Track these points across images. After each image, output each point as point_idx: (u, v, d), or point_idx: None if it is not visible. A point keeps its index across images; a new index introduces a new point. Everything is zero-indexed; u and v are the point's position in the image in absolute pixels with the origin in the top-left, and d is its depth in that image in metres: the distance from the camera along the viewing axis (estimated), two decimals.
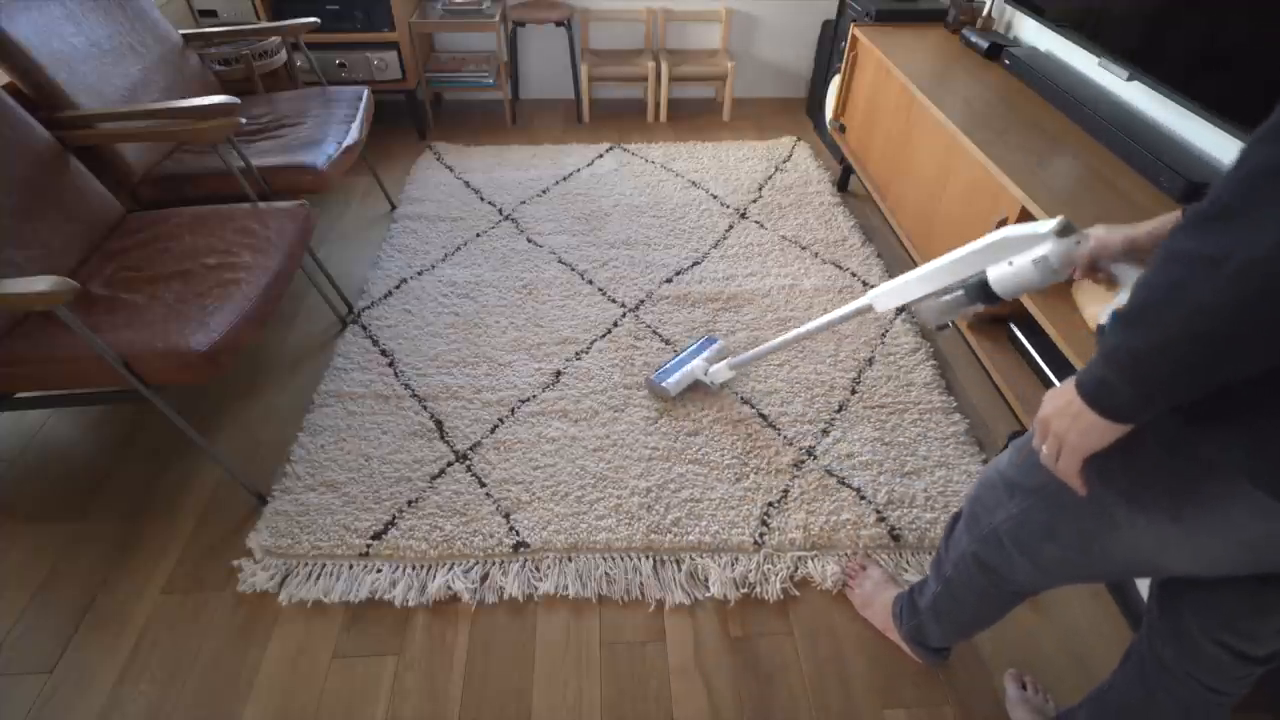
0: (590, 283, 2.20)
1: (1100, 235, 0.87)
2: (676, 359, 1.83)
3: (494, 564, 1.44)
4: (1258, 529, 0.64)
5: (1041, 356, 1.63)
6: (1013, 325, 1.73)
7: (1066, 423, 0.64)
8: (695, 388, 1.81)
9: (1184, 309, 0.52)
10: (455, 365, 1.89)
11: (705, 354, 1.84)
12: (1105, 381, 0.60)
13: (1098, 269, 0.89)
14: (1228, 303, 0.49)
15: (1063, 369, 1.57)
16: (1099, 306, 1.46)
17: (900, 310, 2.00)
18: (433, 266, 2.26)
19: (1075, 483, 0.68)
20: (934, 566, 1.12)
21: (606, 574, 1.43)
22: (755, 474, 1.61)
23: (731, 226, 2.47)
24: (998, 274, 0.98)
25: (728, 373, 1.77)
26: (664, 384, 1.75)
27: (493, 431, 1.71)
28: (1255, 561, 0.68)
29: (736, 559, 1.45)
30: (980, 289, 1.02)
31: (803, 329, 1.49)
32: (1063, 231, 0.91)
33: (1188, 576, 0.76)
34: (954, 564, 1.02)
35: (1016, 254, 0.96)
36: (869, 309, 1.27)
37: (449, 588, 1.39)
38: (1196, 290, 0.51)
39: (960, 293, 1.06)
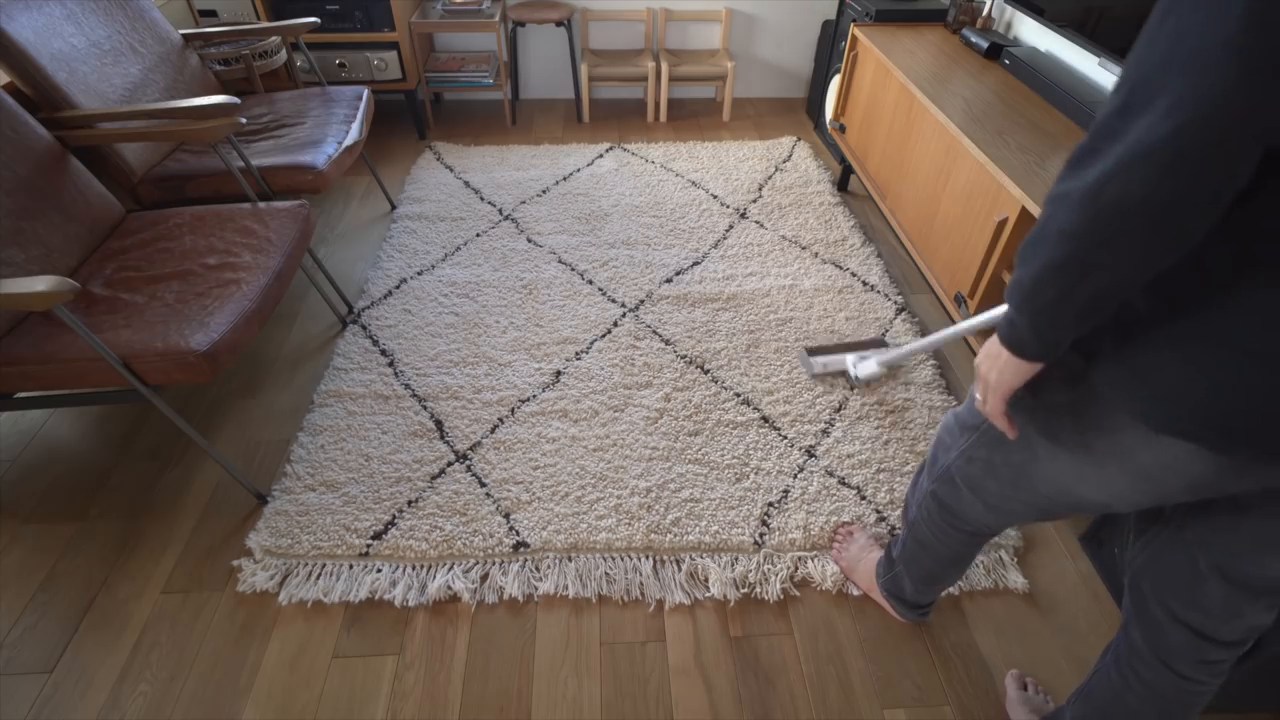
0: (590, 283, 2.20)
1: None
2: (839, 344, 1.92)
3: (494, 564, 1.44)
4: (1148, 458, 0.69)
5: None
6: None
7: (989, 365, 0.73)
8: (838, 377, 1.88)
9: (1049, 238, 0.59)
10: (455, 365, 1.89)
11: (866, 352, 1.88)
12: (1011, 321, 0.67)
13: None
14: (1079, 227, 0.56)
15: None
16: None
17: None
18: (433, 266, 2.26)
19: (1001, 423, 0.76)
20: (903, 513, 1.19)
21: (606, 574, 1.43)
22: (755, 474, 1.61)
23: (731, 226, 2.47)
24: None
25: (875, 368, 1.79)
26: (812, 359, 1.85)
27: (493, 431, 1.71)
28: (1155, 492, 0.73)
29: (736, 559, 1.45)
30: None
31: (944, 334, 1.57)
32: None
33: (1103, 509, 0.81)
34: (917, 505, 1.10)
35: None
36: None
37: (449, 588, 1.39)
38: (1057, 220, 0.58)
39: None
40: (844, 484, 1.59)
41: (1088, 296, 0.60)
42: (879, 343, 1.95)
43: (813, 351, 1.90)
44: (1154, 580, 0.86)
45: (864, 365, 1.81)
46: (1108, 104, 0.55)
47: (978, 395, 0.78)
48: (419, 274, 2.23)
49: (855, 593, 1.40)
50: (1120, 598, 1.38)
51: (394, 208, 2.59)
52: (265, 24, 2.48)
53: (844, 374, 1.87)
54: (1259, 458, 0.63)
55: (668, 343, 1.97)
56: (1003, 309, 1.17)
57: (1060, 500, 0.83)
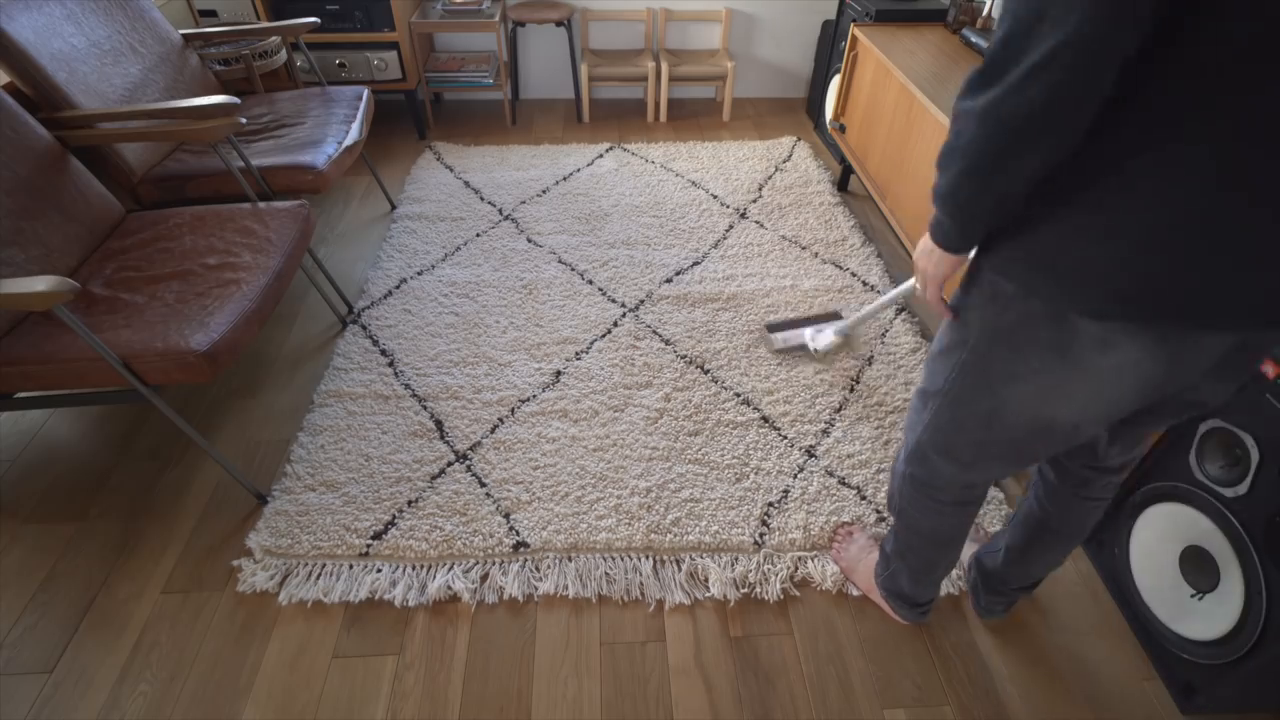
0: (590, 283, 2.20)
1: None
2: (797, 319, 2.00)
3: (494, 564, 1.44)
4: (1101, 362, 0.75)
5: None
6: None
7: (924, 260, 0.85)
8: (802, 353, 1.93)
9: (960, 149, 0.69)
10: (455, 365, 1.89)
11: (817, 327, 1.95)
12: (938, 220, 0.79)
13: None
14: (984, 137, 0.67)
15: None
16: None
17: None
18: (433, 266, 2.26)
19: (939, 307, 0.87)
20: (889, 504, 1.20)
21: (606, 574, 1.43)
22: (755, 474, 1.61)
23: (731, 226, 2.47)
24: None
25: (832, 338, 1.87)
26: (772, 335, 1.92)
27: (493, 431, 1.71)
28: (1113, 400, 0.80)
29: (736, 559, 1.45)
30: None
31: (896, 291, 1.66)
32: None
33: (1073, 431, 0.87)
34: (899, 493, 1.13)
35: None
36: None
37: (449, 588, 1.39)
38: (965, 133, 0.69)
39: None
40: (844, 484, 1.59)
41: (996, 193, 0.71)
42: (835, 316, 2.03)
43: (772, 328, 1.97)
44: (1070, 451, 1.04)
45: (821, 337, 1.89)
46: (995, 37, 0.64)
47: (917, 288, 0.86)
48: (419, 274, 2.23)
49: (855, 593, 1.40)
50: (1120, 597, 1.38)
51: (394, 208, 2.59)
52: (265, 24, 2.48)
53: (803, 347, 1.93)
54: (1189, 330, 0.69)
55: (668, 343, 1.97)
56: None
57: (1033, 432, 0.88)
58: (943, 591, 1.40)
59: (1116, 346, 0.73)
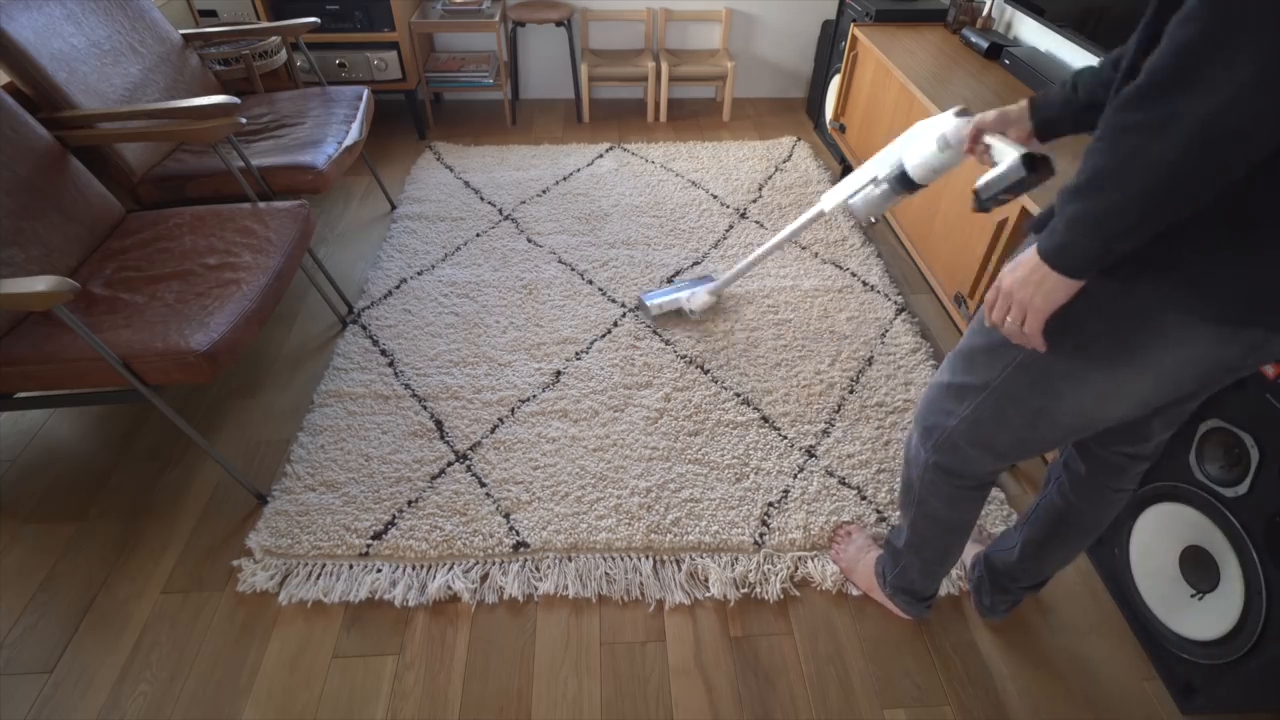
0: (590, 283, 2.20)
1: (982, 114, 1.02)
2: (671, 287, 2.07)
3: (494, 564, 1.44)
4: (1178, 356, 0.75)
5: None
6: None
7: (1030, 290, 0.74)
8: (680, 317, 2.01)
9: (1141, 169, 0.61)
10: (455, 365, 1.89)
11: (690, 288, 2.04)
12: (1069, 244, 0.69)
13: (978, 141, 1.03)
14: (1177, 159, 0.59)
15: None
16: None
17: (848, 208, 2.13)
18: (433, 266, 2.26)
19: (1039, 341, 0.78)
20: (903, 498, 1.19)
21: (606, 574, 1.43)
22: (755, 474, 1.61)
23: (731, 226, 2.47)
24: (912, 162, 1.11)
25: (705, 298, 1.93)
26: (649, 303, 1.98)
27: (493, 431, 1.71)
28: (1171, 390, 0.80)
29: (736, 559, 1.45)
30: (901, 179, 1.15)
31: (767, 245, 1.69)
32: (960, 114, 1.08)
33: (1116, 422, 0.88)
34: (919, 481, 1.11)
35: (927, 141, 1.10)
36: (821, 213, 1.45)
37: (449, 588, 1.39)
38: (1148, 152, 0.60)
39: (885, 186, 1.20)
40: (844, 484, 1.59)
41: (1165, 220, 0.63)
42: (706, 278, 2.12)
43: (649, 297, 2.05)
44: (1100, 438, 1.03)
45: (695, 299, 1.97)
46: (1179, 33, 0.57)
47: (1009, 320, 0.78)
48: (419, 274, 2.23)
49: (855, 593, 1.40)
50: (1120, 597, 1.38)
51: (394, 208, 2.59)
52: (265, 24, 2.48)
53: (679, 311, 2.02)
54: None
55: (668, 343, 1.97)
56: (819, 207, 1.31)
57: (1078, 427, 0.89)
58: (943, 591, 1.40)
59: (1204, 346, 0.73)
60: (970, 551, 1.40)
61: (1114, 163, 0.63)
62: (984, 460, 1.01)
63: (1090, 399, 0.83)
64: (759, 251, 1.73)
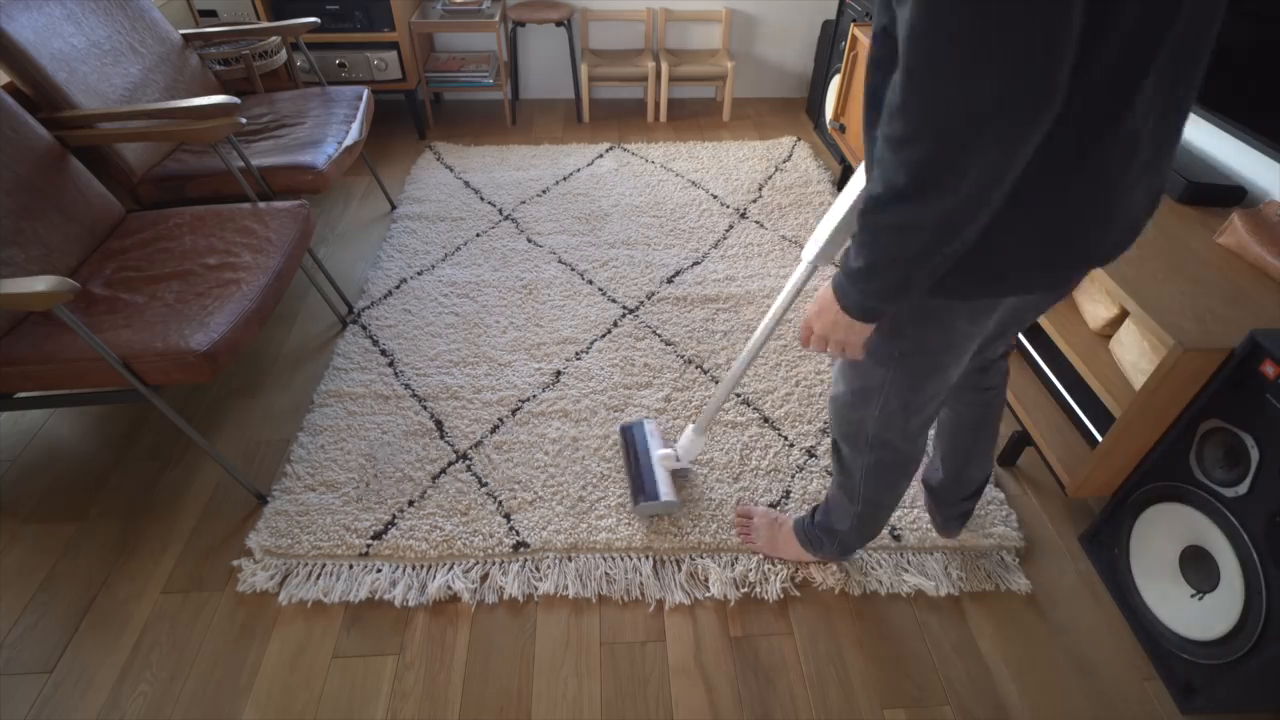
0: (590, 283, 2.20)
1: None
2: (640, 468, 1.54)
3: (494, 564, 1.44)
4: (1002, 310, 0.92)
5: (1041, 356, 1.63)
6: None
7: (841, 332, 0.86)
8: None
9: (905, 258, 0.72)
10: (455, 365, 1.89)
11: (655, 446, 1.59)
12: (866, 306, 0.81)
13: None
14: (928, 245, 0.70)
15: (1062, 368, 1.57)
16: (1097, 307, 1.46)
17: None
18: (433, 266, 2.26)
19: (859, 355, 0.91)
20: (838, 495, 1.25)
21: (606, 574, 1.43)
22: (755, 474, 1.61)
23: (731, 226, 2.47)
24: None
25: (698, 441, 1.51)
26: (664, 499, 1.48)
27: (493, 431, 1.71)
28: (1005, 321, 1.02)
29: (736, 559, 1.45)
30: None
31: (753, 342, 1.31)
32: None
33: (980, 350, 1.11)
34: (863, 480, 1.17)
35: None
36: (813, 267, 1.18)
37: (449, 588, 1.39)
38: (906, 247, 0.71)
39: None
40: None
41: (937, 270, 0.75)
42: (640, 428, 1.65)
43: (648, 499, 1.49)
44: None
45: (685, 450, 1.52)
46: (913, 155, 0.64)
47: (830, 351, 0.91)
48: (419, 274, 2.23)
49: (855, 592, 1.40)
50: (1120, 597, 1.38)
51: (394, 208, 2.59)
52: (265, 24, 2.48)
53: (681, 473, 1.61)
54: (1071, 276, 0.87)
55: (668, 343, 1.97)
56: (803, 268, 1.22)
57: (958, 371, 1.02)
58: (942, 591, 1.40)
59: (967, 312, 0.90)
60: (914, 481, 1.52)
61: (881, 256, 0.74)
62: (911, 439, 1.10)
63: (960, 354, 0.97)
64: (746, 352, 1.33)
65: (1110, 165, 0.74)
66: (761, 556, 1.45)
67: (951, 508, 1.42)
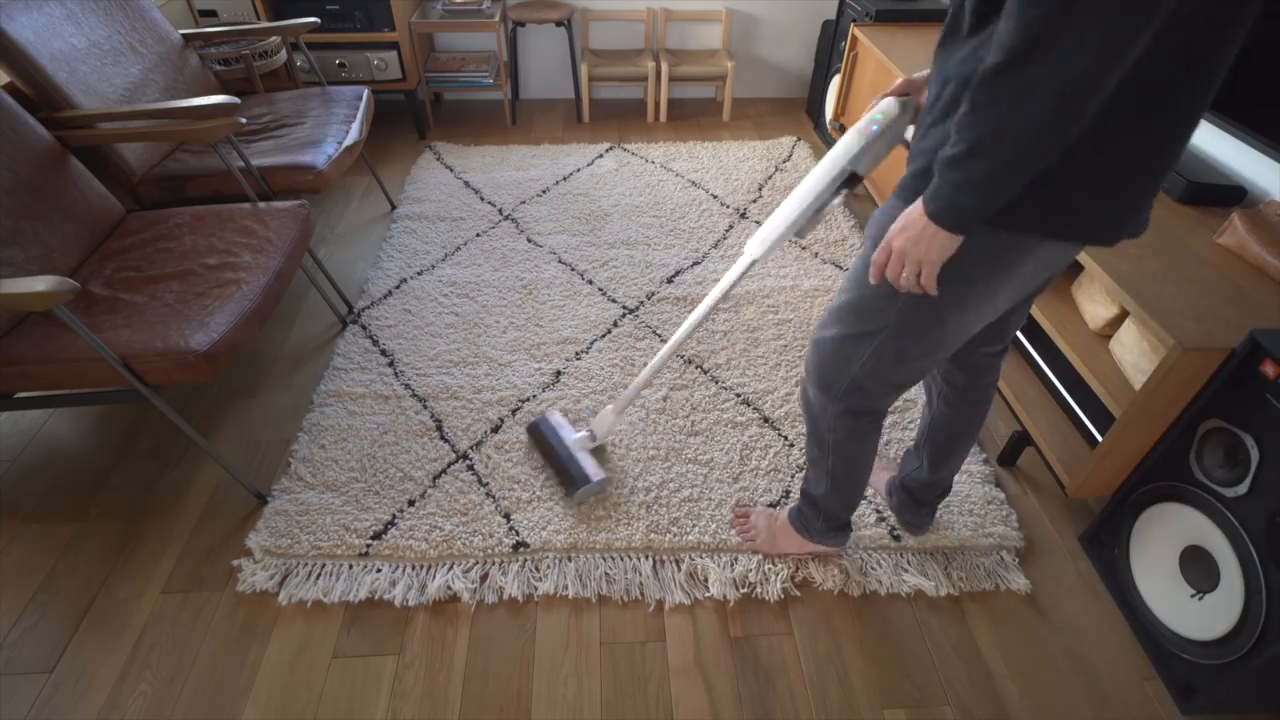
0: (590, 283, 2.20)
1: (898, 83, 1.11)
2: (563, 460, 1.56)
3: (494, 564, 1.44)
4: (1033, 268, 0.90)
5: (1040, 356, 1.63)
6: None
7: (924, 247, 0.84)
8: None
9: (1011, 137, 0.70)
10: (455, 365, 1.89)
11: (568, 433, 1.62)
12: (955, 206, 0.78)
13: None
14: (1039, 122, 0.69)
15: (1062, 368, 1.57)
16: (1097, 307, 1.46)
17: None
18: (433, 266, 2.26)
19: (934, 288, 0.88)
20: (814, 452, 1.26)
21: (606, 574, 1.43)
22: (755, 474, 1.61)
23: (731, 226, 2.47)
24: (862, 163, 1.08)
25: (616, 420, 1.56)
26: (596, 480, 1.51)
27: (493, 431, 1.71)
28: (1024, 293, 0.97)
29: (736, 559, 1.45)
30: (850, 179, 1.12)
31: (681, 331, 1.39)
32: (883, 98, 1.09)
33: (995, 316, 1.02)
34: (830, 430, 1.19)
35: (863, 138, 1.07)
36: (753, 262, 1.25)
37: (449, 588, 1.39)
38: (1014, 121, 0.69)
39: (837, 199, 1.16)
40: None
41: (1039, 167, 0.74)
42: (546, 421, 1.67)
43: (583, 483, 1.52)
44: (969, 346, 1.18)
45: (599, 424, 1.58)
46: (1032, 12, 0.64)
47: (904, 275, 0.88)
48: (419, 274, 2.23)
49: (855, 593, 1.40)
50: (1120, 597, 1.38)
51: (394, 208, 2.59)
52: (265, 24, 2.48)
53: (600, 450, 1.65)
54: (1120, 236, 0.87)
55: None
56: (747, 259, 1.23)
57: (958, 342, 1.03)
58: (942, 591, 1.40)
59: (1051, 256, 0.89)
60: (883, 480, 1.53)
61: (985, 133, 0.72)
62: (887, 394, 1.12)
63: (971, 316, 0.97)
64: (667, 347, 1.43)
65: (1188, 112, 0.76)
66: (761, 556, 1.45)
67: (925, 506, 1.45)
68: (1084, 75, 0.65)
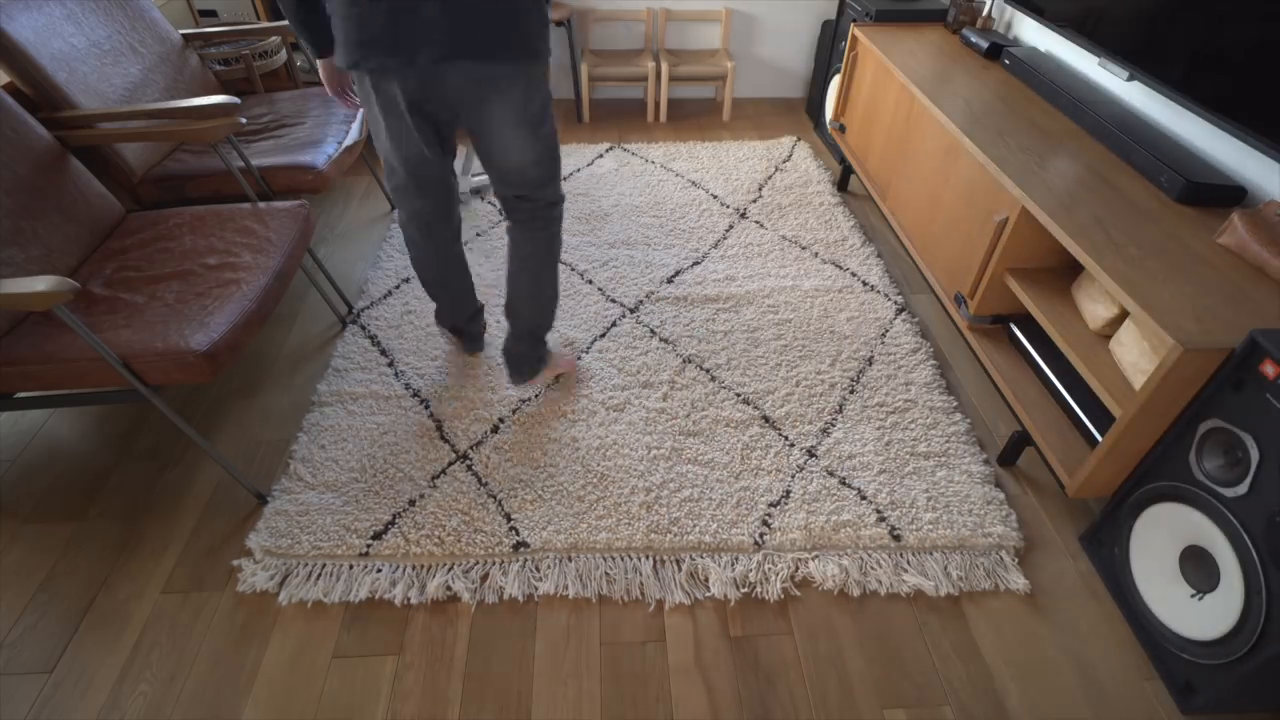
0: (590, 282, 2.20)
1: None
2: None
3: (494, 564, 1.44)
4: (379, 99, 1.32)
5: (1040, 355, 1.63)
6: (1012, 325, 1.73)
7: (322, 72, 1.51)
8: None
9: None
10: (455, 365, 1.89)
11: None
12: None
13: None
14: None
15: (1062, 368, 1.58)
16: (1097, 307, 1.46)
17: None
18: None
19: (344, 100, 1.54)
20: (548, 271, 1.64)
21: (606, 574, 1.43)
22: (755, 474, 1.61)
23: (731, 226, 2.47)
24: None
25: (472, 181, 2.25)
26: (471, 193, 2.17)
27: (493, 432, 1.71)
28: (401, 124, 1.36)
29: (736, 559, 1.45)
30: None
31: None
32: None
33: (414, 151, 1.44)
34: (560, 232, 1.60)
35: None
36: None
37: (449, 588, 1.40)
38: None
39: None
40: (845, 484, 1.59)
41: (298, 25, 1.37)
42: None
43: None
44: (496, 187, 1.56)
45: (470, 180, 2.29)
46: None
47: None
48: None
49: (855, 593, 1.40)
50: (1120, 597, 1.38)
51: (394, 207, 2.58)
52: (265, 24, 2.48)
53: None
54: (382, 64, 1.24)
55: (667, 343, 1.97)
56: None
57: (391, 159, 1.46)
58: (942, 591, 1.40)
59: (370, 85, 1.30)
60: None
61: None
62: (394, 180, 1.55)
63: (383, 140, 1.43)
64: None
65: None
66: (761, 556, 1.45)
67: (510, 339, 1.74)
68: None
